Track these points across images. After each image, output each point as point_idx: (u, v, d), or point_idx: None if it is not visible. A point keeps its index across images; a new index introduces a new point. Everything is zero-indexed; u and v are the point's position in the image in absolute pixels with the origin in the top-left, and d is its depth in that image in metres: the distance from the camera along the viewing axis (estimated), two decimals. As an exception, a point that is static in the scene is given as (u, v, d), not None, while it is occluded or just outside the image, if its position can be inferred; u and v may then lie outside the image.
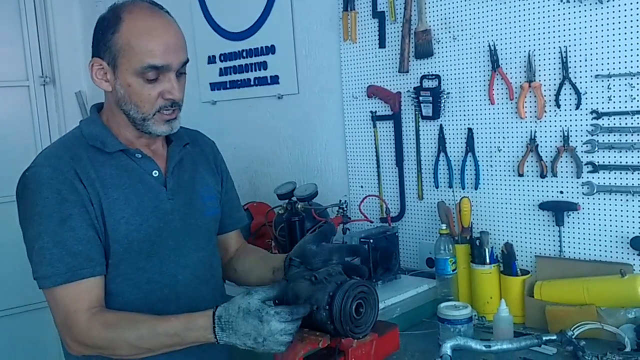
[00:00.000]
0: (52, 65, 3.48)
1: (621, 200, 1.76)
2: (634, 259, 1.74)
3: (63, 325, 1.29)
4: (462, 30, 2.03)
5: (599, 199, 1.80)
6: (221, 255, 1.64)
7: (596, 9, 1.74)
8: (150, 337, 1.24)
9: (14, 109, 3.41)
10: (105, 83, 1.35)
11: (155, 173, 1.41)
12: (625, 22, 1.69)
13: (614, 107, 1.74)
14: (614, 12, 1.71)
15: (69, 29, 3.52)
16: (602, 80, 1.75)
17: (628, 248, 1.75)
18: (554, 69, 1.84)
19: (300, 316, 1.22)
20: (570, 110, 1.82)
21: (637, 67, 1.69)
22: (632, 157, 1.73)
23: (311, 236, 1.44)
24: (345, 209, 2.20)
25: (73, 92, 3.55)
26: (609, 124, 1.76)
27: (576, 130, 1.82)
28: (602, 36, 1.74)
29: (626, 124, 1.73)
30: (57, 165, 1.31)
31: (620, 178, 1.75)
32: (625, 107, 1.72)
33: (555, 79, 1.84)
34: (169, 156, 1.46)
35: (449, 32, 2.06)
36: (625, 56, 1.70)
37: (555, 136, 1.86)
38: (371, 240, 1.96)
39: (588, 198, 1.82)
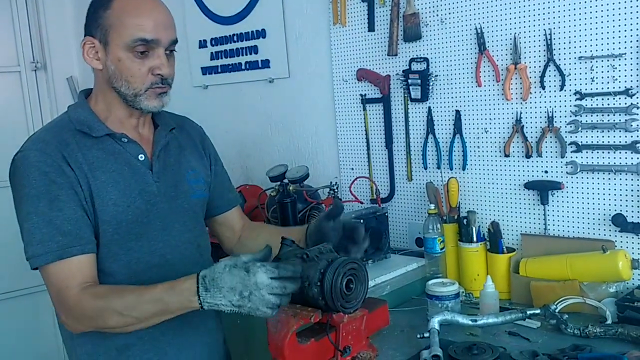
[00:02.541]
0: (43, 51, 3.47)
1: (603, 178, 1.81)
2: (615, 236, 1.80)
3: (57, 301, 1.32)
4: (449, 13, 2.06)
5: (582, 177, 1.85)
6: (229, 235, 1.68)
7: (580, -9, 1.78)
8: (136, 304, 1.25)
9: (5, 94, 3.41)
10: (96, 61, 1.38)
11: (141, 157, 1.44)
12: (608, 4, 1.73)
13: (597, 88, 1.79)
14: (596, -5, 1.75)
15: (59, 14, 3.51)
16: (585, 62, 1.80)
17: (610, 225, 1.80)
18: (539, 51, 1.88)
19: (289, 275, 1.19)
20: (555, 91, 1.86)
21: (619, 48, 1.73)
22: (614, 136, 1.78)
23: (324, 215, 1.47)
24: (336, 190, 2.24)
25: (64, 78, 3.55)
26: (591, 105, 1.80)
27: (560, 111, 1.86)
28: (585, 18, 1.78)
29: (608, 104, 1.77)
30: (45, 149, 1.33)
31: (603, 157, 1.80)
32: (608, 87, 1.77)
33: (540, 61, 1.88)
34: (155, 140, 1.49)
35: (437, 15, 2.09)
36: (608, 38, 1.75)
37: (540, 117, 1.90)
38: (362, 221, 2.01)
39: (572, 177, 1.87)
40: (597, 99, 1.79)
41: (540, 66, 1.88)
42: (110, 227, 1.37)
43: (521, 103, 1.93)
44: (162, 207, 1.45)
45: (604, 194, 1.81)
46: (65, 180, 1.32)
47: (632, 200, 1.76)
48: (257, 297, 1.15)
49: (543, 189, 1.91)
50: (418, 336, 1.53)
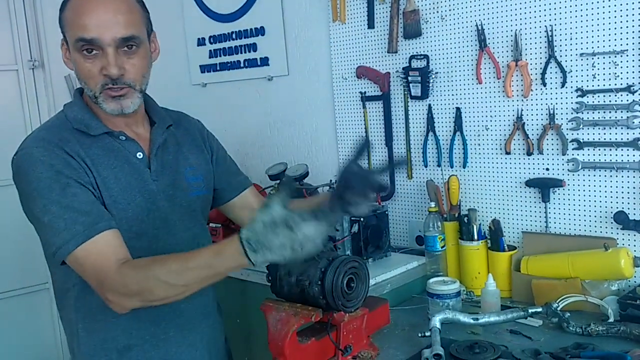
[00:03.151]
0: (41, 49, 3.45)
1: (605, 176, 1.80)
2: (617, 233, 1.79)
3: (97, 282, 1.26)
4: (450, 10, 2.05)
5: (583, 175, 1.84)
6: (249, 215, 1.63)
7: (581, -12, 1.77)
8: (182, 271, 1.20)
9: (2, 93, 3.39)
10: (71, 63, 1.38)
11: (140, 155, 1.43)
12: (609, 0, 1.72)
13: (598, 85, 1.78)
14: (598, -9, 1.74)
15: (57, 12, 3.48)
16: (587, 59, 1.78)
17: (611, 222, 1.79)
18: (540, 48, 1.87)
19: (329, 219, 1.13)
20: (556, 88, 1.85)
21: (621, 45, 1.72)
22: (616, 133, 1.77)
23: (352, 160, 1.26)
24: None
25: (62, 76, 3.53)
26: (593, 102, 1.79)
27: (562, 108, 1.85)
28: (586, 15, 1.77)
29: (610, 101, 1.76)
30: (47, 146, 1.32)
31: (604, 154, 1.79)
32: (609, 84, 1.76)
33: (541, 58, 1.87)
34: (152, 138, 1.48)
35: (437, 12, 2.08)
36: (609, 35, 1.73)
37: (541, 114, 1.89)
38: (362, 219, 2.00)
39: (573, 174, 1.86)
40: (598, 96, 1.78)
41: (541, 63, 1.87)
42: None
43: (522, 100, 1.92)
44: (161, 206, 1.44)
45: (605, 192, 1.80)
46: (72, 171, 1.31)
47: (634, 198, 1.75)
48: (309, 246, 1.11)
49: (544, 187, 1.90)
50: (419, 335, 1.52)
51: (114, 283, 1.24)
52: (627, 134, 1.75)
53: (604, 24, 1.74)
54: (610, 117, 1.77)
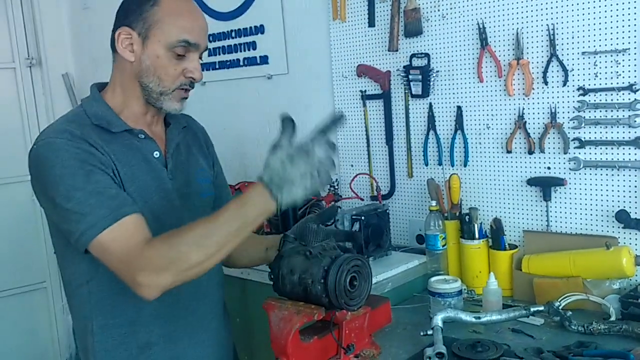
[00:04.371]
0: (38, 47, 3.44)
1: (606, 175, 1.80)
2: (618, 232, 1.79)
3: (124, 265, 1.23)
4: (451, 8, 2.04)
5: (585, 174, 1.84)
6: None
7: (583, -14, 1.76)
8: (212, 229, 1.22)
9: (0, 91, 3.38)
10: (129, 53, 1.37)
11: (157, 154, 1.44)
12: (612, -1, 1.72)
13: (600, 84, 1.77)
14: (600, -11, 1.73)
15: (54, 10, 3.48)
16: (589, 57, 1.78)
17: (613, 221, 1.79)
18: (542, 46, 1.86)
19: (331, 130, 1.26)
20: (558, 87, 1.85)
21: (623, 44, 1.72)
22: (617, 132, 1.76)
23: (314, 216, 1.48)
24: (336, 187, 2.23)
25: (60, 74, 3.52)
26: (595, 100, 1.79)
27: (563, 107, 1.85)
28: (588, 13, 1.77)
29: (612, 100, 1.76)
30: (70, 137, 1.31)
31: (606, 153, 1.79)
32: (611, 83, 1.75)
33: (542, 57, 1.87)
34: (168, 138, 1.49)
35: (438, 10, 2.07)
36: (611, 33, 1.73)
37: (543, 113, 1.89)
38: (362, 218, 1.99)
39: (574, 173, 1.85)
40: (600, 95, 1.78)
41: (543, 61, 1.86)
42: None
43: (523, 99, 1.92)
44: (176, 205, 1.44)
45: (607, 190, 1.80)
46: (95, 159, 1.30)
47: (636, 197, 1.75)
48: (323, 170, 1.20)
49: (546, 185, 1.90)
50: (421, 333, 1.52)
51: (143, 261, 1.21)
52: (629, 132, 1.75)
53: (606, 22, 1.74)
54: (612, 116, 1.77)
